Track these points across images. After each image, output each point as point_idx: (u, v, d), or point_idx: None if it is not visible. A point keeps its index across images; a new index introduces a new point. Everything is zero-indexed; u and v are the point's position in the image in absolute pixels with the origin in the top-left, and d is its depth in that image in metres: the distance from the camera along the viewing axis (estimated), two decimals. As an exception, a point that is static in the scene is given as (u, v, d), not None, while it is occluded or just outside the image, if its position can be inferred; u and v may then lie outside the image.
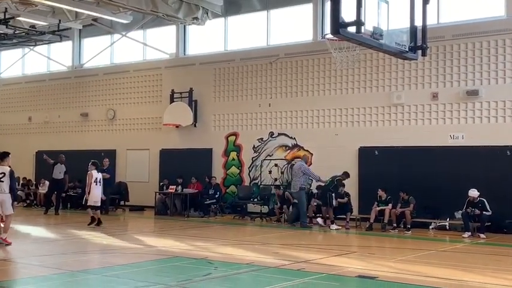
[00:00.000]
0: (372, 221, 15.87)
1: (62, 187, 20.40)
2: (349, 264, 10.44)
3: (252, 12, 20.46)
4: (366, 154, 17.65)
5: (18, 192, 23.42)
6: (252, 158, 19.93)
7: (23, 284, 9.03)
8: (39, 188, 22.86)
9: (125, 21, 22.13)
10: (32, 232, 15.65)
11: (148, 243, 13.34)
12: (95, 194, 15.99)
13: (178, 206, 19.81)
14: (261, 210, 18.59)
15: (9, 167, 12.80)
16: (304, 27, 19.26)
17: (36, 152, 25.12)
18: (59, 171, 20.14)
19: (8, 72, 27.76)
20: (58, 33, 21.96)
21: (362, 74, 17.98)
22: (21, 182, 24.09)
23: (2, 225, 12.73)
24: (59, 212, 20.08)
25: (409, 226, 15.43)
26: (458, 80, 16.63)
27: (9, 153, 13.10)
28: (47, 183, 21.79)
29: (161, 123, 21.67)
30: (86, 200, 16.10)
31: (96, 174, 16.13)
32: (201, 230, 15.94)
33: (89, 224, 16.03)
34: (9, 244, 12.37)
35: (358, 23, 9.24)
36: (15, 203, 13.87)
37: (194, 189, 19.73)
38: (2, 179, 12.51)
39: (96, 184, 16.05)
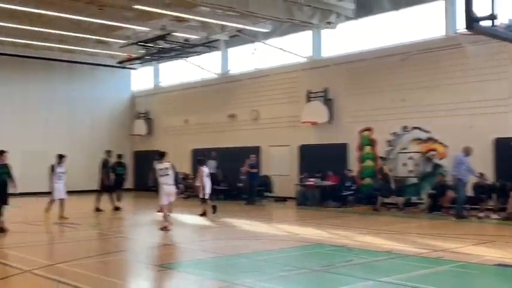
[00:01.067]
0: (510, 210, 14.78)
1: (214, 180, 21.24)
2: (487, 253, 9.83)
3: (383, 13, 19.90)
4: (502, 145, 16.46)
5: (180, 185, 24.94)
6: (386, 151, 19.42)
7: (186, 266, 9.54)
8: (196, 181, 23.93)
9: (265, 30, 22.60)
10: (190, 220, 16.48)
11: (291, 231, 13.50)
12: (208, 187, 16.45)
13: (317, 197, 19.82)
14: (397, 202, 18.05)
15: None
16: (436, 24, 18.38)
17: (191, 150, 26.40)
18: (211, 166, 21.05)
19: (167, 81, 29.46)
20: (208, 45, 22.91)
21: (495, 67, 16.77)
22: (180, 176, 25.52)
23: (167, 213, 13.59)
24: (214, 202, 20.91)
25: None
26: None
27: (166, 153, 14.12)
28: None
29: (299, 121, 21.81)
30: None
31: (207, 170, 16.63)
32: (340, 220, 15.83)
33: (201, 215, 16.43)
34: (168, 230, 13.19)
35: (492, 16, 8.65)
36: (179, 191, 15.01)
37: (332, 182, 19.64)
38: (167, 173, 13.52)
39: (208, 178, 16.54)
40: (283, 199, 21.60)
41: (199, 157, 17.06)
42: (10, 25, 21.62)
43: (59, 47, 26.24)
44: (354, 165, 20.17)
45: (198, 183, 16.62)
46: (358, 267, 8.96)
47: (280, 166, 22.66)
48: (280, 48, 23.27)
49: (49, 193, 16.47)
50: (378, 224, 14.90)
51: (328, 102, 21.05)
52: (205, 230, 14.43)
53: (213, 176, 20.86)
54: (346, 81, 20.80)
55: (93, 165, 26.59)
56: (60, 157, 16.44)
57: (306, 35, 22.33)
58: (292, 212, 18.81)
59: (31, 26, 21.86)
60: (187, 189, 24.64)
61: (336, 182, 19.62)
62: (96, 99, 29.30)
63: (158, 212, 15.81)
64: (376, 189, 18.56)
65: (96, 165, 19.23)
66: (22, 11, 19.83)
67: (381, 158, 19.49)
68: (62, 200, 16.15)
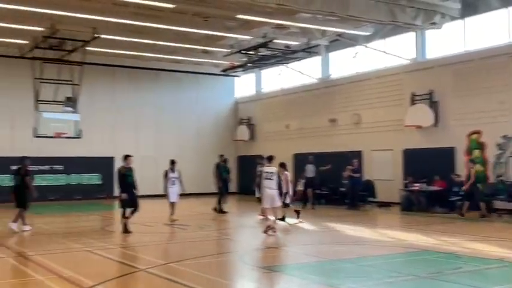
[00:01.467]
0: None
1: (314, 184, 21.37)
2: None
3: (490, 11, 18.96)
4: None
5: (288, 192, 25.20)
6: (496, 155, 18.44)
7: (290, 269, 9.67)
8: (297, 185, 24.10)
9: (366, 33, 22.34)
10: (292, 224, 16.60)
11: (396, 237, 13.23)
12: (291, 192, 15.99)
13: (423, 203, 19.22)
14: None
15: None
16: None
17: (293, 154, 26.60)
18: (311, 170, 21.15)
19: (268, 87, 29.93)
20: (308, 50, 23.01)
21: None
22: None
23: (270, 217, 13.82)
24: (315, 206, 20.99)
25: None
26: None
27: (274, 157, 14.33)
28: (302, 181, 22.97)
29: (403, 125, 21.29)
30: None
31: (289, 174, 16.01)
32: (447, 226, 15.27)
33: (280, 219, 15.93)
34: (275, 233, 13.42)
35: None
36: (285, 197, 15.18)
37: (438, 187, 18.96)
38: (271, 178, 13.73)
39: (290, 183, 16.02)
40: (387, 204, 21.17)
41: (282, 162, 17.10)
42: (123, 38, 23.00)
43: (166, 58, 27.54)
44: (461, 170, 19.35)
45: (285, 190, 15.98)
46: (468, 275, 8.64)
47: (384, 171, 22.24)
48: (382, 51, 22.88)
49: (164, 196, 17.35)
50: (488, 230, 14.20)
51: (433, 104, 20.38)
52: (307, 234, 14.50)
53: (311, 181, 21.12)
54: (452, 83, 20.03)
55: (200, 169, 27.81)
56: (172, 163, 17.21)
57: (409, 37, 21.79)
58: (397, 218, 18.39)
59: (142, 39, 23.13)
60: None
61: (443, 187, 18.92)
62: (201, 107, 30.38)
63: (260, 215, 16.14)
64: (487, 195, 17.68)
65: (204, 169, 20.04)
66: (133, 24, 21.06)
67: (471, 161, 18.59)
68: (173, 203, 16.95)
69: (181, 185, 17.09)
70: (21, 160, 14.87)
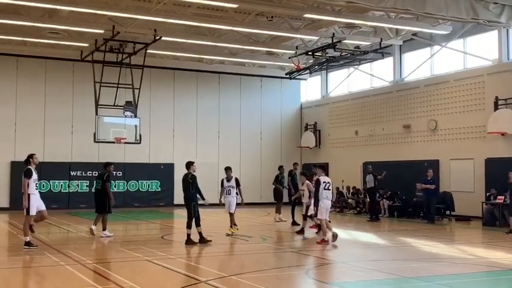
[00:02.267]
0: None
1: (373, 195, 21.57)
2: None
3: None
4: None
5: (349, 200, 24.95)
6: None
7: (361, 285, 9.48)
8: (367, 196, 23.75)
9: (444, 32, 21.78)
10: (362, 238, 16.32)
11: (477, 254, 12.76)
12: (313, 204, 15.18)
13: (507, 218, 18.42)
14: None
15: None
16: None
17: (362, 163, 26.22)
18: (370, 180, 21.27)
19: (336, 91, 29.69)
20: (380, 51, 22.65)
21: None
22: (351, 190, 25.50)
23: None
24: (380, 218, 20.86)
25: None
26: None
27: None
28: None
29: (485, 132, 20.56)
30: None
31: (311, 184, 15.27)
32: (536, 243, 14.57)
33: (298, 232, 16.08)
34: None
35: None
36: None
37: (525, 200, 18.13)
38: (329, 188, 13.88)
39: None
40: (466, 218, 20.47)
41: (303, 170, 17.20)
42: (185, 40, 23.45)
43: (229, 60, 27.87)
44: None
45: (303, 200, 16.00)
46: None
47: (463, 181, 21.52)
48: (462, 51, 22.22)
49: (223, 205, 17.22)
50: None
51: (521, 109, 19.60)
52: (380, 249, 14.21)
53: (370, 191, 21.20)
54: (542, 86, 19.18)
55: (263, 177, 27.92)
56: (226, 170, 16.80)
57: (492, 36, 21.05)
58: (478, 233, 17.72)
59: (203, 41, 23.49)
60: (357, 205, 24.54)
61: (530, 201, 18.07)
62: (265, 111, 30.53)
63: (312, 227, 16.19)
64: None
65: (266, 177, 20.16)
66: (194, 26, 21.43)
67: None
68: (231, 214, 16.55)
69: (240, 195, 16.56)
70: (105, 166, 15.60)
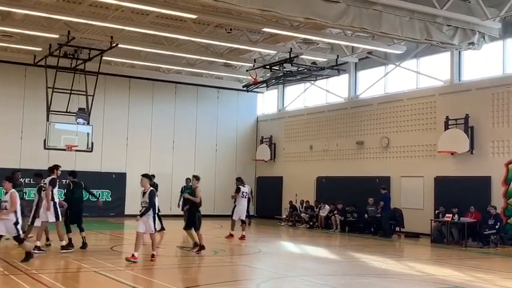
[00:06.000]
0: None
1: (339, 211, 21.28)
2: None
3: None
4: None
5: (302, 215, 25.07)
6: (537, 186, 18.14)
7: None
8: (320, 211, 23.98)
9: (398, 52, 22.30)
10: (314, 252, 16.43)
11: (425, 271, 13.01)
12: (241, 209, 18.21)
13: (455, 235, 18.91)
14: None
15: None
16: None
17: (316, 178, 26.47)
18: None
19: (292, 105, 29.93)
20: (336, 68, 22.96)
21: None
22: (304, 205, 25.65)
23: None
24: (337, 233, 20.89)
25: None
26: None
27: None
28: (327, 207, 22.91)
29: (435, 151, 21.09)
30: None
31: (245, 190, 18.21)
32: (481, 261, 14.99)
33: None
34: None
35: None
36: None
37: (472, 218, 18.65)
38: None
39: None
40: (415, 235, 20.88)
41: (238, 176, 19.36)
42: (142, 49, 23.26)
43: (186, 70, 27.77)
44: (498, 201, 19.02)
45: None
46: (505, 317, 8.42)
47: (413, 199, 21.97)
48: (416, 71, 22.78)
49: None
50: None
51: (469, 130, 20.16)
52: (331, 263, 14.33)
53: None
54: (491, 108, 19.80)
55: (218, 189, 27.85)
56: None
57: (444, 57, 21.67)
58: (426, 250, 18.10)
59: (161, 50, 23.35)
60: (310, 219, 24.70)
61: (477, 219, 18.60)
62: (220, 123, 30.49)
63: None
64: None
65: (221, 189, 20.01)
66: (152, 34, 21.29)
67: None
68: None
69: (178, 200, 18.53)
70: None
